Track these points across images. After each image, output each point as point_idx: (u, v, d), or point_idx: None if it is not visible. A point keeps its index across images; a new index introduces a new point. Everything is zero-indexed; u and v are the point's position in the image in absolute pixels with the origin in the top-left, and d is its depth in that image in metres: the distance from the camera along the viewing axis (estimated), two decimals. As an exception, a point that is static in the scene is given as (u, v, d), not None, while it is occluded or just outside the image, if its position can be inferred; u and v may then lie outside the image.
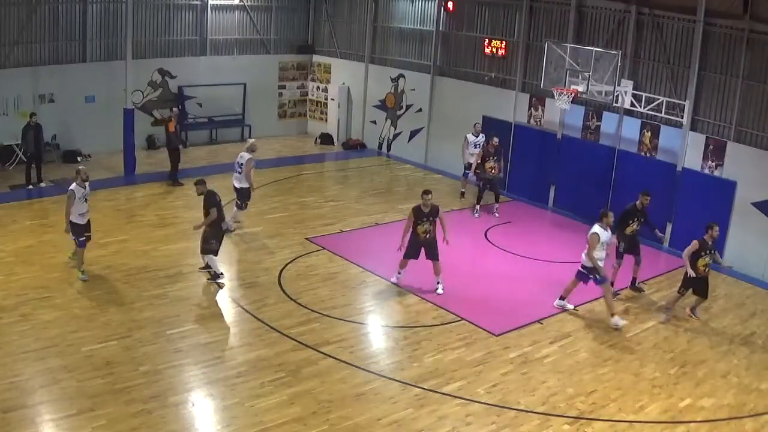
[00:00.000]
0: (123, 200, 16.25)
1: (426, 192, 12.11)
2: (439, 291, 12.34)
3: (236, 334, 10.68)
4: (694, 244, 11.51)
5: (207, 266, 12.17)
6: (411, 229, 12.15)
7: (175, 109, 18.29)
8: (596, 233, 11.36)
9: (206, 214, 11.87)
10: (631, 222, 12.54)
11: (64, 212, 11.77)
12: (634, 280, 13.10)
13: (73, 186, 11.73)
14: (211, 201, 11.89)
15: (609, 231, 11.61)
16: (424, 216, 12.00)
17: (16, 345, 9.71)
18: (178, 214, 15.43)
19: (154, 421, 8.28)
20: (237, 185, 14.50)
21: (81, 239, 11.89)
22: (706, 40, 14.56)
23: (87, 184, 11.92)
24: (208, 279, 12.18)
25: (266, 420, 8.48)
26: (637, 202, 12.56)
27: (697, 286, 11.77)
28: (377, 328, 11.29)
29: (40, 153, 16.96)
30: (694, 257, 11.50)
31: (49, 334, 10.05)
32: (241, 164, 14.36)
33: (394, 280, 12.66)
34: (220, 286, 11.98)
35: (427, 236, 12.10)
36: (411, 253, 12.28)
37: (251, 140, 15.46)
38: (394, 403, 9.04)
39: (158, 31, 20.77)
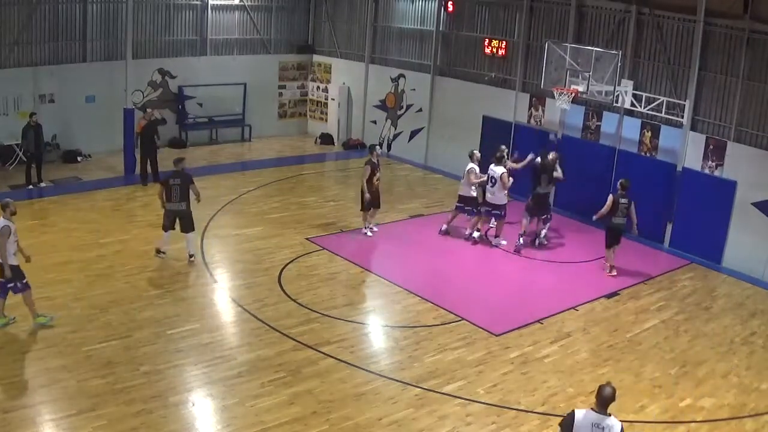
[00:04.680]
0: (123, 200, 16.24)
1: (376, 146, 14.89)
2: (371, 232, 14.90)
3: (236, 334, 10.69)
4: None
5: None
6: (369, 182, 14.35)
7: (148, 110, 18.39)
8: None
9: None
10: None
11: (1, 254, 9.79)
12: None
13: (5, 222, 9.94)
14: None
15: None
16: (378, 167, 14.54)
17: (16, 345, 9.71)
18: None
19: (154, 421, 8.29)
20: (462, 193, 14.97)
21: (25, 281, 10.11)
22: (706, 40, 14.55)
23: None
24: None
25: (266, 420, 8.48)
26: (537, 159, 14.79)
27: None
28: (377, 328, 11.29)
29: (41, 153, 16.97)
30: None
31: (49, 334, 10.05)
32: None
33: (369, 234, 14.74)
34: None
35: (378, 182, 14.64)
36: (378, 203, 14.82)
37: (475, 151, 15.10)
38: (395, 403, 9.04)
39: (158, 31, 20.76)
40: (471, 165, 14.60)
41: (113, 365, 9.37)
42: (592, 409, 6.22)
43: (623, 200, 13.32)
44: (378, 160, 14.61)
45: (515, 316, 11.71)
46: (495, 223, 14.82)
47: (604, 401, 6.17)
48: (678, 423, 9.01)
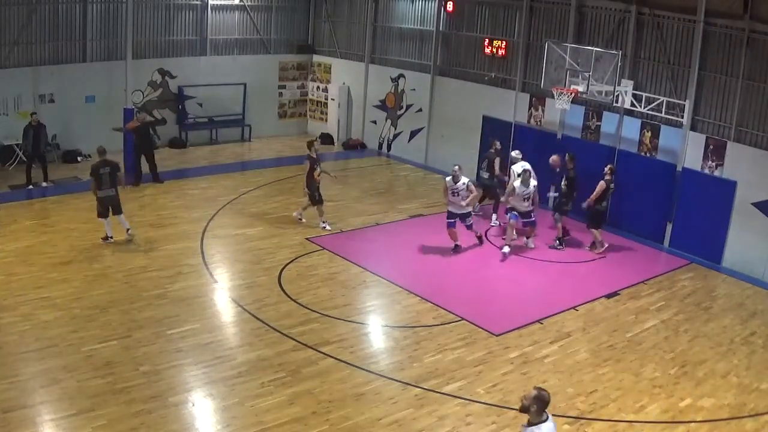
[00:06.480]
0: (123, 200, 16.20)
1: (314, 141, 15.42)
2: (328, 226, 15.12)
3: (236, 334, 10.69)
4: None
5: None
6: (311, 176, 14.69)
7: (139, 114, 18.21)
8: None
9: None
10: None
11: None
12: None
13: None
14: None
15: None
16: (317, 162, 14.82)
17: (16, 345, 9.71)
18: (178, 214, 15.43)
19: (154, 421, 8.29)
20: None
21: None
22: (706, 40, 14.55)
23: None
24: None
25: (266, 420, 8.48)
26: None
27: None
28: (377, 328, 11.29)
29: (43, 153, 16.96)
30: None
31: (49, 334, 10.06)
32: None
33: (300, 217, 15.29)
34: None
35: (320, 177, 14.98)
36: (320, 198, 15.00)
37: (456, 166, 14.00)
38: (394, 403, 9.04)
39: (158, 31, 20.77)
40: (447, 178, 13.92)
41: (113, 365, 9.37)
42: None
43: (611, 185, 14.46)
44: (317, 155, 14.93)
45: (515, 316, 11.71)
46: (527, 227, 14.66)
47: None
48: (678, 423, 9.01)
